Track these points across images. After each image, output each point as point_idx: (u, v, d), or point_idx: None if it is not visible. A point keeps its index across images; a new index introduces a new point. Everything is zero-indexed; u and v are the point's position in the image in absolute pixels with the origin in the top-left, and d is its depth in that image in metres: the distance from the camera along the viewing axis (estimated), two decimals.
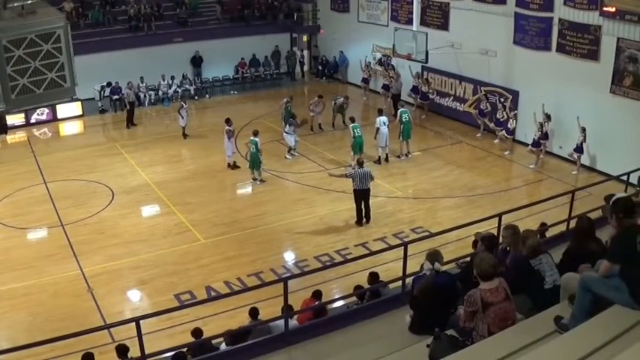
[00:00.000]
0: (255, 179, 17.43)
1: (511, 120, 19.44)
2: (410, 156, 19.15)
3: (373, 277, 10.15)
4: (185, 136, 21.31)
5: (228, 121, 18.47)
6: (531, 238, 6.32)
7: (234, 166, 18.44)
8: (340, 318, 7.93)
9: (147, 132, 22.45)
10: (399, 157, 19.15)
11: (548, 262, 6.17)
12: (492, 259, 5.70)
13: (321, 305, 9.41)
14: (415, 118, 23.41)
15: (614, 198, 5.52)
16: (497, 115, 20.12)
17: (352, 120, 18.71)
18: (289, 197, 16.62)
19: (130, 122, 22.90)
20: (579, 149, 17.35)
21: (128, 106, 22.97)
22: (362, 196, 14.79)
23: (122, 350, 8.45)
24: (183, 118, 21.19)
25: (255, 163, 17.25)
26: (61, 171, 18.37)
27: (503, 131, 19.67)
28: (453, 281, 6.40)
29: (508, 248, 6.98)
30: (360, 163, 14.85)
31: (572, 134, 17.65)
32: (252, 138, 17.28)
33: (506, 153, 19.47)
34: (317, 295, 9.84)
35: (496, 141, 20.16)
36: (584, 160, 17.68)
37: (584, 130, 17.08)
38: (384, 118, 18.77)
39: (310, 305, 9.43)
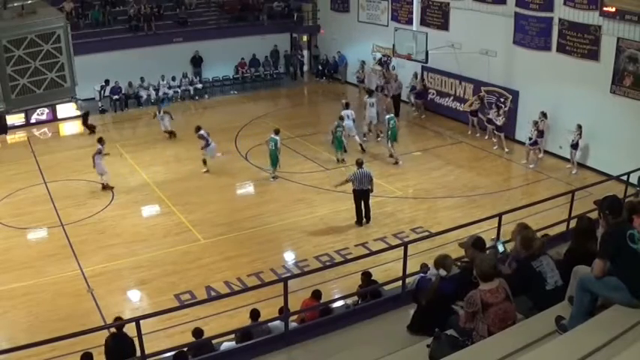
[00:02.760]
0: (275, 177, 17.54)
1: (500, 117, 19.48)
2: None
3: (367, 276, 10.14)
4: (171, 135, 20.97)
5: (100, 141, 17.19)
6: (532, 239, 6.32)
7: (107, 187, 16.95)
8: (340, 318, 7.93)
9: (147, 132, 22.44)
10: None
11: (549, 264, 6.18)
12: (492, 260, 5.70)
13: (321, 306, 9.40)
14: (415, 118, 23.53)
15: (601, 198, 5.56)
16: (490, 115, 20.10)
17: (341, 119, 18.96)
18: (289, 197, 16.60)
19: (90, 129, 21.75)
20: (575, 146, 17.36)
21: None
22: (361, 196, 14.78)
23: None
24: (163, 121, 20.91)
25: (273, 161, 17.35)
26: (61, 171, 18.37)
27: (494, 128, 19.76)
28: (457, 287, 6.39)
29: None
30: (360, 164, 14.85)
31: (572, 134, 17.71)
32: (272, 136, 17.32)
33: (506, 151, 19.48)
34: (316, 295, 9.83)
35: (494, 139, 20.17)
36: (580, 158, 17.72)
37: (579, 127, 17.08)
38: (348, 112, 19.34)
39: (310, 305, 9.42)
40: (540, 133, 18.14)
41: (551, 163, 18.51)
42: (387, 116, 19.22)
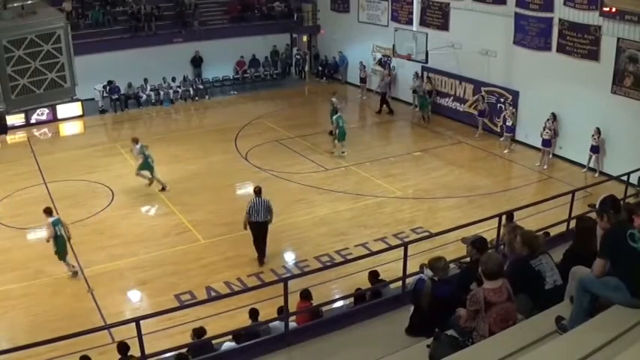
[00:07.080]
0: (343, 152, 19.08)
1: (509, 118, 19.50)
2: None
3: (374, 275, 10.12)
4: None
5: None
6: (532, 239, 6.31)
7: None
8: (340, 318, 7.92)
9: (147, 132, 22.43)
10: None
11: (548, 263, 6.16)
12: (499, 259, 5.70)
13: (319, 306, 9.37)
14: (415, 117, 23.54)
15: (600, 198, 5.55)
16: (505, 116, 20.07)
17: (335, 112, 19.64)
18: (289, 197, 16.58)
19: None
20: (595, 149, 17.24)
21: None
22: (258, 229, 13.00)
23: (123, 349, 8.39)
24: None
25: (342, 137, 18.98)
26: (61, 171, 18.35)
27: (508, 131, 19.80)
28: (453, 290, 6.38)
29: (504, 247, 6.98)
30: (257, 192, 13.09)
31: (573, 134, 17.72)
32: (339, 114, 19.19)
33: (505, 152, 19.47)
34: (305, 295, 9.58)
35: (502, 139, 20.15)
36: (581, 158, 17.73)
37: (599, 131, 16.93)
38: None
39: (303, 308, 9.34)
40: (554, 133, 18.22)
41: (551, 164, 18.49)
42: (335, 116, 19.31)
